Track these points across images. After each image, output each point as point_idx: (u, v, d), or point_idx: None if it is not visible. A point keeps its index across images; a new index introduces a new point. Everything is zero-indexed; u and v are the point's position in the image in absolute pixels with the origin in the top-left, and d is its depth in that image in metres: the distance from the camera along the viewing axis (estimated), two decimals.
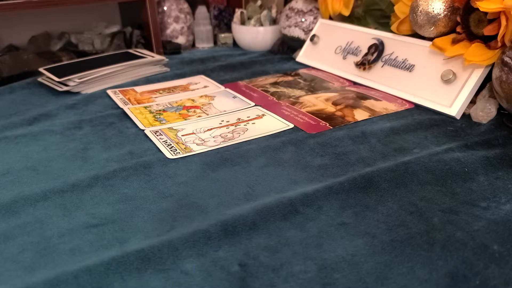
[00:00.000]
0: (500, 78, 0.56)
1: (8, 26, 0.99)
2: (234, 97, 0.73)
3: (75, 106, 0.70)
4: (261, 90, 0.76)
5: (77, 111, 0.69)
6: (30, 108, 0.70)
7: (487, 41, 0.59)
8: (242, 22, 1.05)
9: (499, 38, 0.57)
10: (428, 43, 0.68)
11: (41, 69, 0.81)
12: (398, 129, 0.58)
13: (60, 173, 0.49)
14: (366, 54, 0.78)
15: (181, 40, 1.09)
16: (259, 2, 1.06)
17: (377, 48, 0.76)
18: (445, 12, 0.65)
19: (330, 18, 0.89)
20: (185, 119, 0.64)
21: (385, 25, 0.79)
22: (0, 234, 0.39)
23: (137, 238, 0.38)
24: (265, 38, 1.04)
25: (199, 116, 0.65)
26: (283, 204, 0.42)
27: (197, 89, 0.78)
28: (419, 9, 0.66)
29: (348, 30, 0.84)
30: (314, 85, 0.78)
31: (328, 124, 0.61)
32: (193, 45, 1.14)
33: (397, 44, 0.74)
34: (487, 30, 0.58)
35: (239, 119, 0.64)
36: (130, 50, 0.92)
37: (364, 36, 0.80)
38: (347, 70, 0.80)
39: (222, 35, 1.12)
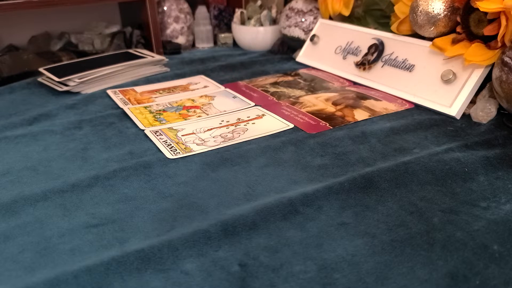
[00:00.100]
0: (500, 78, 0.56)
1: (8, 26, 0.99)
2: (234, 97, 0.73)
3: (75, 106, 0.70)
4: (261, 90, 0.76)
5: (77, 111, 0.69)
6: (30, 108, 0.70)
7: (487, 41, 0.59)
8: (242, 22, 1.05)
9: (499, 38, 0.57)
10: (428, 43, 0.68)
11: (41, 69, 0.81)
12: (398, 129, 0.58)
13: (60, 173, 0.49)
14: (366, 54, 0.78)
15: (181, 40, 1.09)
16: (259, 2, 1.06)
17: (377, 48, 0.76)
18: (445, 12, 0.65)
19: (330, 18, 0.89)
20: (185, 119, 0.64)
21: (385, 25, 0.79)
22: (0, 234, 0.39)
23: (137, 238, 0.38)
24: (265, 38, 1.04)
25: (199, 116, 0.65)
26: (283, 204, 0.42)
27: (197, 89, 0.78)
28: (419, 9, 0.66)
29: (348, 30, 0.84)
30: (314, 85, 0.78)
31: (328, 124, 0.61)
32: (193, 45, 1.14)
33: (397, 44, 0.74)
34: (487, 30, 0.58)
35: (239, 119, 0.64)
36: (130, 50, 0.92)
37: (364, 36, 0.80)
38: (347, 70, 0.80)
39: (222, 35, 1.12)
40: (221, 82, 0.81)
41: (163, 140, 0.57)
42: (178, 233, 0.38)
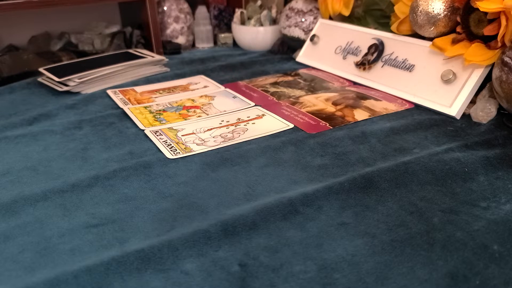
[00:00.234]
0: (500, 78, 0.56)
1: (8, 26, 0.99)
2: (234, 97, 0.73)
3: (75, 106, 0.70)
4: (261, 90, 0.76)
5: (77, 111, 0.69)
6: (30, 108, 0.70)
7: (487, 41, 0.59)
8: (242, 22, 1.05)
9: (499, 38, 0.57)
10: (428, 43, 0.68)
11: (41, 69, 0.81)
12: (398, 129, 0.58)
13: (60, 173, 0.49)
14: (366, 54, 0.78)
15: (181, 40, 1.09)
16: (259, 2, 1.06)
17: (377, 48, 0.76)
18: (445, 12, 0.65)
19: (330, 18, 0.89)
20: (185, 119, 0.64)
21: (385, 25, 0.79)
22: (0, 234, 0.39)
23: (137, 238, 0.38)
24: (265, 38, 1.04)
25: (199, 116, 0.65)
26: (283, 204, 0.42)
27: (197, 89, 0.78)
28: (419, 9, 0.66)
29: (348, 30, 0.84)
30: (314, 85, 0.78)
31: (328, 124, 0.61)
32: (193, 45, 1.14)
33: (397, 44, 0.74)
34: (487, 30, 0.58)
35: (239, 119, 0.64)
36: (130, 50, 0.92)
37: (364, 36, 0.80)
38: (347, 70, 0.80)
39: (222, 35, 1.12)
40: (221, 82, 0.81)
41: (163, 140, 0.57)
42: (178, 233, 0.38)
